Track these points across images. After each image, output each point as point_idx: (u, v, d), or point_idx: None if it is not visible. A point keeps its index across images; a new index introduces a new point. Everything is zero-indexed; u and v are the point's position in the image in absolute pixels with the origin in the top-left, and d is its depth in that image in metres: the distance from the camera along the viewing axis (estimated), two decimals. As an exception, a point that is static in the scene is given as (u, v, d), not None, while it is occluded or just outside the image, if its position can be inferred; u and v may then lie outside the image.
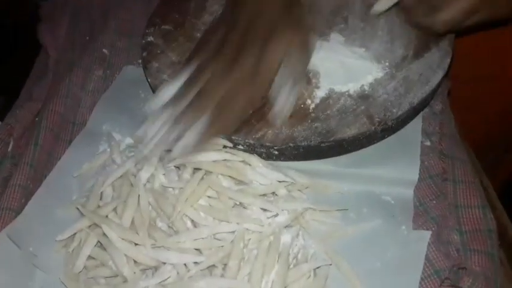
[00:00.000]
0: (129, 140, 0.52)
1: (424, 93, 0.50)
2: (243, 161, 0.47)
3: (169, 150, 0.47)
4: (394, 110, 0.49)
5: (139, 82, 0.57)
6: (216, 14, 0.60)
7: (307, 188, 0.47)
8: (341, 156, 0.49)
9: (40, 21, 0.65)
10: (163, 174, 0.47)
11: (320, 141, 0.48)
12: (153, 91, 0.54)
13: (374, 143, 0.50)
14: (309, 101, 0.50)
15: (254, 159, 0.48)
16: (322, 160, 0.50)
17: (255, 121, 0.49)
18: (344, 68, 0.52)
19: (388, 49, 0.54)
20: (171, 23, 0.60)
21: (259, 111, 0.50)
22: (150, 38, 0.58)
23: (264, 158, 0.49)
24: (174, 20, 0.60)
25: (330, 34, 0.55)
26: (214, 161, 0.46)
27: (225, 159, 0.47)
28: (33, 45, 0.64)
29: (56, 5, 0.67)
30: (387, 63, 0.53)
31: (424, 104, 0.51)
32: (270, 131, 0.48)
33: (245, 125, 0.49)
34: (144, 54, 0.57)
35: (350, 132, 0.48)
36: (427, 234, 0.44)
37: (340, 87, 0.51)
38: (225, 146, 0.49)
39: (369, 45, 0.54)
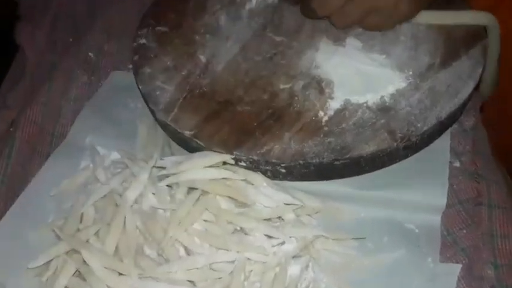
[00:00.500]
0: (115, 155, 0.53)
1: (452, 107, 0.50)
2: (245, 180, 0.48)
3: (161, 167, 0.48)
4: (419, 125, 0.49)
5: (129, 90, 0.58)
6: (217, 15, 0.61)
7: (318, 212, 0.48)
8: (358, 177, 0.50)
9: (18, 20, 0.66)
10: (153, 193, 0.47)
11: (334, 159, 0.48)
12: (145, 100, 0.55)
13: (395, 162, 0.50)
14: (321, 113, 0.51)
15: (258, 178, 0.48)
16: (336, 180, 0.50)
17: (259, 134, 0.50)
18: (362, 76, 0.53)
19: (411, 56, 0.54)
20: (166, 24, 0.60)
21: (265, 123, 0.51)
22: (143, 40, 0.59)
23: (269, 177, 0.50)
24: (170, 20, 0.61)
25: (346, 39, 0.56)
26: (211, 180, 0.47)
27: (224, 178, 0.47)
28: (10, 46, 0.65)
29: (36, 2, 0.68)
30: (411, 72, 0.53)
31: (452, 119, 0.52)
32: (276, 146, 0.49)
33: (248, 138, 0.50)
34: (135, 58, 0.58)
35: (368, 148, 0.48)
36: (456, 268, 0.44)
37: (357, 98, 0.51)
38: (224, 163, 0.49)
39: (389, 51, 0.55)
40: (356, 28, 0.56)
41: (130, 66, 0.60)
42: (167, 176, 0.48)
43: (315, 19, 0.56)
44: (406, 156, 0.50)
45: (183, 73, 0.56)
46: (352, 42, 0.56)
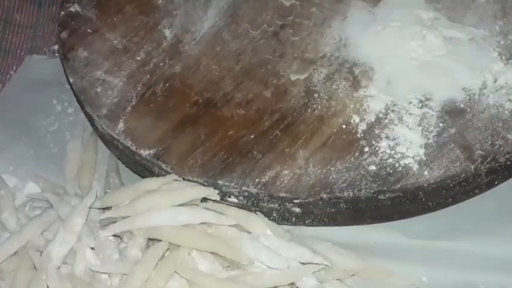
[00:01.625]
0: (32, 187, 0.53)
1: None
2: (237, 226, 0.47)
3: (105, 208, 0.47)
4: (510, 136, 0.49)
5: (53, 84, 0.58)
6: None
7: (354, 275, 0.47)
8: (414, 220, 0.50)
9: None
10: (93, 248, 0.47)
11: (377, 191, 0.47)
12: (79, 100, 0.54)
13: (475, 195, 0.50)
14: (356, 118, 0.51)
15: (257, 223, 0.47)
16: (380, 225, 0.50)
17: (258, 152, 0.49)
18: (419, 61, 0.53)
19: (496, 28, 0.55)
20: None
21: (268, 135, 0.50)
22: (75, 7, 0.59)
23: (275, 220, 0.49)
24: None
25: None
26: (184, 227, 0.47)
27: (204, 223, 0.47)
28: None
29: None
30: (496, 54, 0.53)
31: None
32: (286, 171, 0.48)
33: (241, 158, 0.49)
34: (64, 34, 0.57)
35: (431, 174, 0.47)
36: None
37: (411, 95, 0.51)
38: (205, 199, 0.48)
39: (461, 20, 0.55)
40: None
41: (56, 47, 0.60)
42: (114, 220, 0.47)
43: None
44: (490, 186, 0.50)
45: (138, 58, 0.55)
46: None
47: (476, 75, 0.52)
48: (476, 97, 0.51)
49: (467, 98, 0.51)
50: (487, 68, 0.52)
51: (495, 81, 0.51)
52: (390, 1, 0.57)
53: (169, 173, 0.49)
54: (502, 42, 0.54)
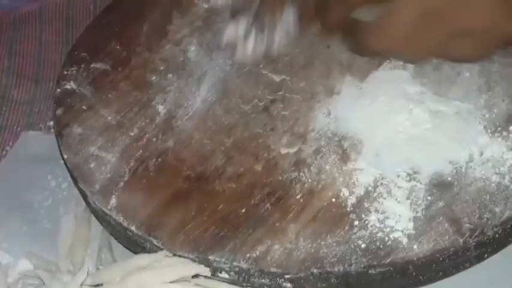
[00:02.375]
0: (24, 264, 0.52)
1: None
2: None
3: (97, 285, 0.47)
4: (498, 210, 0.49)
5: (48, 160, 0.58)
6: (184, 45, 0.62)
7: None
8: None
9: None
10: None
11: (367, 265, 0.47)
12: (72, 176, 0.54)
13: (464, 268, 0.49)
14: (345, 192, 0.50)
15: None
16: None
17: (249, 227, 0.49)
18: (407, 134, 0.53)
19: (482, 102, 0.55)
20: (106, 59, 0.61)
21: (258, 209, 0.50)
22: (70, 85, 0.59)
23: None
24: (112, 53, 0.62)
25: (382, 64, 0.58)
26: None
27: None
28: None
29: None
30: (482, 127, 0.53)
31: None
32: (276, 246, 0.48)
33: (232, 233, 0.49)
34: (59, 111, 0.57)
35: (420, 248, 0.47)
36: None
37: (400, 168, 0.51)
38: (196, 275, 0.48)
39: (447, 94, 0.56)
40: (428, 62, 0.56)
41: (51, 123, 0.60)
42: None
43: (373, 57, 0.57)
44: (480, 259, 0.49)
45: (131, 133, 0.56)
46: (395, 72, 0.58)
47: (462, 148, 0.52)
48: (463, 170, 0.51)
49: (455, 171, 0.51)
50: (473, 141, 0.52)
51: (481, 155, 0.51)
52: (378, 76, 0.57)
53: (161, 249, 0.49)
54: (487, 115, 0.54)
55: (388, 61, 0.58)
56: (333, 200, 0.50)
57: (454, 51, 0.51)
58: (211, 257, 0.48)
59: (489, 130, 0.53)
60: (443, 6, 0.48)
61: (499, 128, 0.53)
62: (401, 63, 0.58)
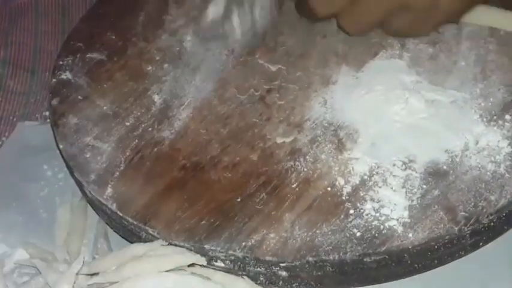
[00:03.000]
0: (21, 254, 0.52)
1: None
2: None
3: (93, 274, 0.47)
4: (493, 198, 0.49)
5: (44, 150, 0.58)
6: (180, 34, 0.62)
7: None
8: (401, 282, 0.49)
9: None
10: None
11: (362, 253, 0.47)
12: (68, 166, 0.54)
13: (459, 256, 0.49)
14: (340, 181, 0.50)
15: (243, 287, 0.47)
16: None
17: (245, 216, 0.49)
18: (402, 123, 0.53)
19: (478, 91, 0.55)
20: (102, 49, 0.61)
21: (254, 198, 0.50)
22: (66, 75, 0.59)
23: (262, 284, 0.48)
24: (107, 43, 0.62)
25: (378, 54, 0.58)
26: None
27: None
28: None
29: None
30: (477, 116, 0.53)
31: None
32: (272, 235, 0.48)
33: (228, 222, 0.49)
34: (55, 101, 0.58)
35: (415, 236, 0.47)
36: None
37: (395, 157, 0.51)
38: (192, 264, 0.48)
39: (442, 83, 0.56)
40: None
41: (47, 113, 0.60)
42: (102, 286, 0.47)
43: (316, 21, 0.58)
44: (475, 248, 0.49)
45: (127, 123, 0.56)
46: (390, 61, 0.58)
47: (458, 137, 0.52)
48: (459, 159, 0.51)
49: (450, 159, 0.51)
50: (469, 130, 0.52)
51: (477, 143, 0.51)
52: (374, 66, 0.57)
53: (156, 238, 0.49)
54: (482, 104, 0.54)
55: (384, 51, 0.58)
56: (329, 189, 0.50)
57: (395, 24, 0.54)
58: (206, 246, 0.48)
59: (485, 119, 0.53)
60: None
61: (495, 117, 0.53)
62: (398, 52, 0.58)
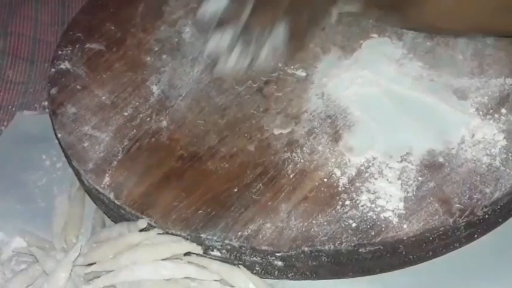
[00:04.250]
0: (18, 242, 0.52)
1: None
2: (220, 280, 0.47)
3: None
4: (488, 190, 0.49)
5: (43, 139, 0.58)
6: (178, 26, 0.62)
7: None
8: (396, 273, 0.49)
9: None
10: None
11: (357, 244, 0.47)
12: (66, 155, 0.54)
13: (454, 248, 0.49)
14: (337, 172, 0.51)
15: (240, 276, 0.47)
16: (361, 279, 0.49)
17: (241, 206, 0.49)
18: (399, 115, 0.53)
19: (475, 85, 0.55)
20: (101, 40, 0.61)
21: (251, 188, 0.50)
22: (65, 65, 0.59)
23: (258, 274, 0.48)
24: (106, 34, 0.62)
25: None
26: (167, 281, 0.46)
27: (187, 277, 0.46)
28: None
29: None
30: (474, 109, 0.54)
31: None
32: (268, 225, 0.48)
33: (224, 212, 0.49)
34: (53, 91, 0.58)
35: (410, 227, 0.47)
36: None
37: (391, 149, 0.51)
38: (188, 253, 0.48)
39: (441, 77, 0.56)
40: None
41: (46, 103, 0.60)
42: (99, 275, 0.47)
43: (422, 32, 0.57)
44: (470, 240, 0.50)
45: (125, 113, 0.56)
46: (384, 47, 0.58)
47: (454, 130, 0.52)
48: (454, 152, 0.51)
49: (446, 152, 0.51)
50: (465, 123, 0.52)
51: (472, 136, 0.52)
52: (372, 58, 0.57)
53: (153, 227, 0.49)
54: (479, 98, 0.54)
55: (383, 44, 0.58)
56: (325, 180, 0.50)
57: (500, 26, 0.53)
58: (203, 235, 0.48)
59: (481, 112, 0.53)
60: None
61: (491, 111, 0.53)
62: (396, 45, 0.58)
